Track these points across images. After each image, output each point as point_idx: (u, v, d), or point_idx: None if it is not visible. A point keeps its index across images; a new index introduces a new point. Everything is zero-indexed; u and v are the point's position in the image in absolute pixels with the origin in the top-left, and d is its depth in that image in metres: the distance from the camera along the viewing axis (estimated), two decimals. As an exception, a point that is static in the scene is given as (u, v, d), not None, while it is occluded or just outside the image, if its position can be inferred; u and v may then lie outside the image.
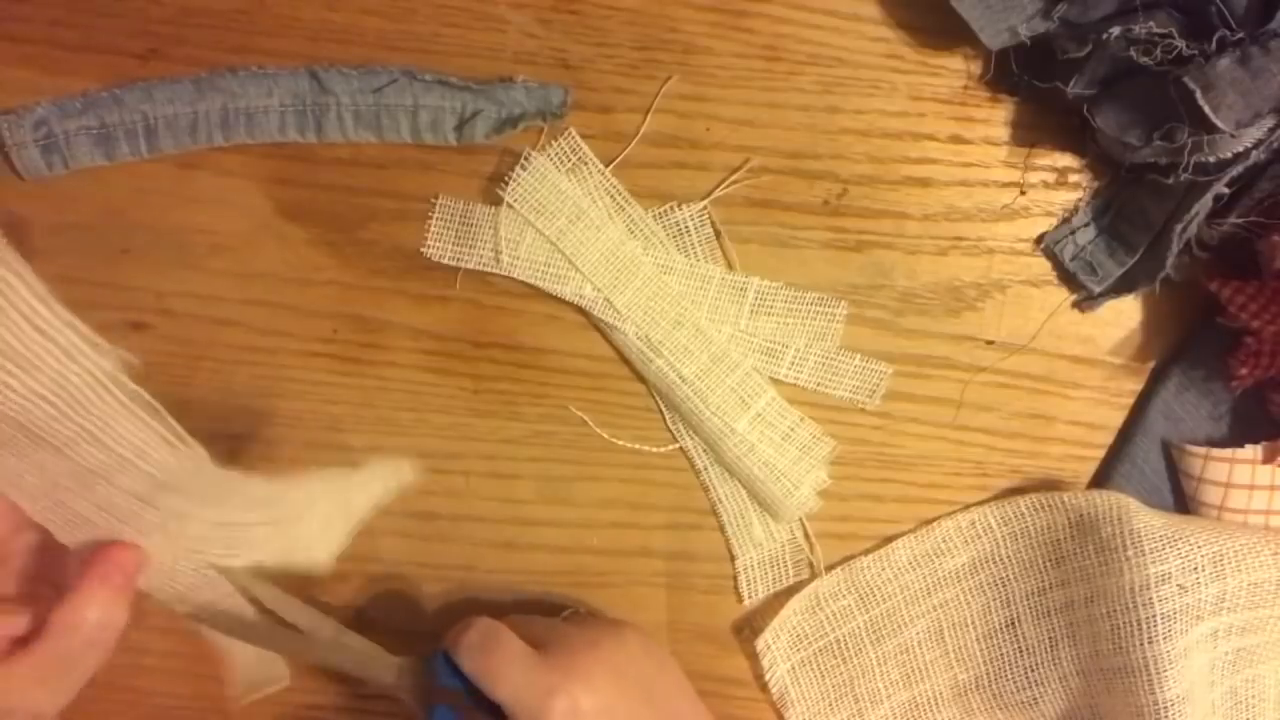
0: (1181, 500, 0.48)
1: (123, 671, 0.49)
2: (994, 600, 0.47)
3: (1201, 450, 0.46)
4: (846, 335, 0.48)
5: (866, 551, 0.49)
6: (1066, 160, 0.46)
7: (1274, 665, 0.47)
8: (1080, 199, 0.47)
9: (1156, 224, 0.44)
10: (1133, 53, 0.40)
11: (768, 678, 0.48)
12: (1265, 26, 0.38)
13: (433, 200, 0.46)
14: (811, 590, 0.48)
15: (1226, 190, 0.42)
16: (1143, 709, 0.43)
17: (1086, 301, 0.47)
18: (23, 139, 0.44)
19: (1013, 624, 0.47)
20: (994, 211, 0.47)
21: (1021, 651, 0.47)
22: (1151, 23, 0.39)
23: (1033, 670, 0.47)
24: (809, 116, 0.46)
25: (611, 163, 0.46)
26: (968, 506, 0.48)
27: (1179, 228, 0.42)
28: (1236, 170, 0.41)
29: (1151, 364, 0.48)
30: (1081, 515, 0.45)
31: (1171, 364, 0.47)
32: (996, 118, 0.46)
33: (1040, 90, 0.43)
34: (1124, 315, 0.48)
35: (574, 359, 0.48)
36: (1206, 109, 0.39)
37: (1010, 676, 0.47)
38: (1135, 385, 0.48)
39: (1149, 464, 0.48)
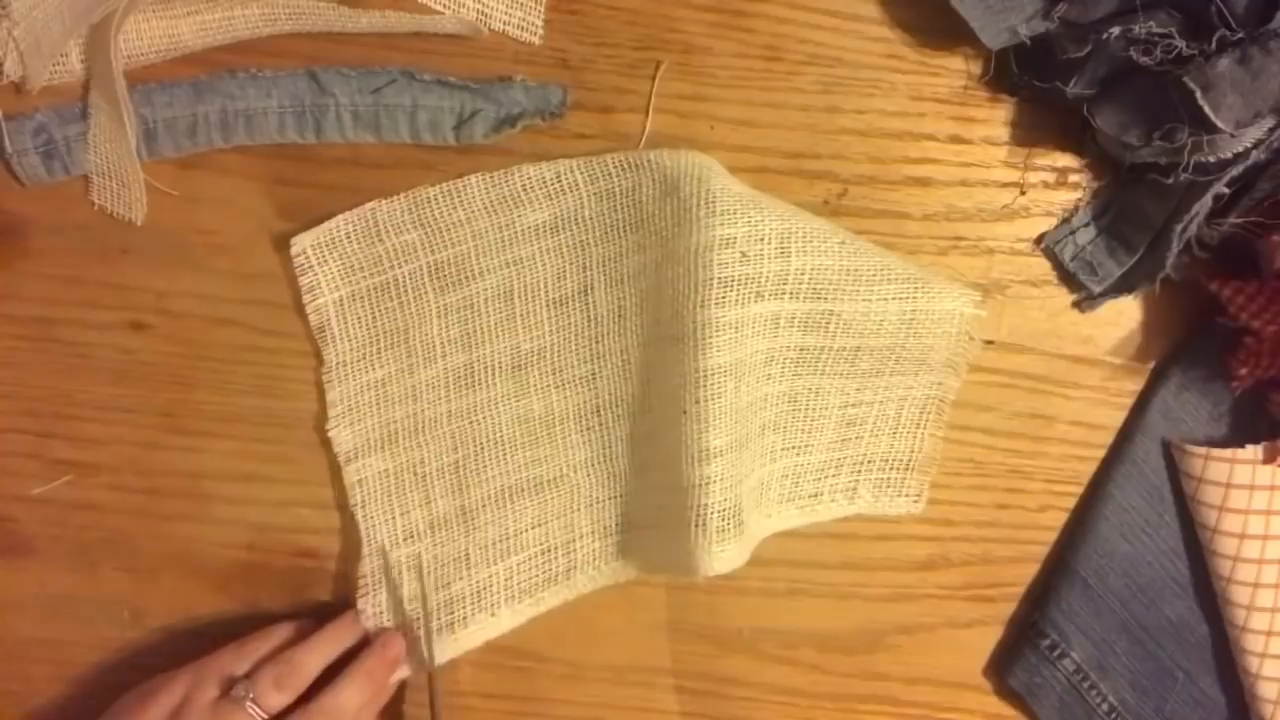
0: (1182, 500, 0.48)
1: (124, 671, 0.49)
2: (571, 265, 0.46)
3: (1202, 450, 0.46)
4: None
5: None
6: (1066, 160, 0.46)
7: (838, 383, 0.47)
8: (1080, 199, 0.46)
9: (1156, 224, 0.44)
10: (1133, 53, 0.40)
11: (306, 303, 0.45)
12: (1265, 26, 0.38)
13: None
14: (369, 213, 0.45)
15: (1226, 190, 0.42)
16: (686, 375, 0.43)
17: (1086, 301, 0.47)
18: (23, 145, 0.44)
19: (586, 291, 0.46)
20: (994, 211, 0.47)
21: (590, 321, 0.46)
22: (1151, 23, 0.39)
23: (598, 341, 0.46)
24: (809, 116, 0.46)
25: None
26: (554, 159, 0.45)
27: (1179, 228, 0.42)
28: (1236, 170, 0.41)
29: (1151, 364, 0.48)
30: (666, 174, 0.44)
31: (1171, 364, 0.47)
32: (996, 118, 0.46)
33: (1040, 90, 0.43)
34: (1124, 315, 0.48)
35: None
36: (1206, 109, 0.39)
37: (574, 349, 0.46)
38: (1135, 385, 0.48)
39: (1149, 464, 0.48)
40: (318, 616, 0.47)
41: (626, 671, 0.50)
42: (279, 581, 0.49)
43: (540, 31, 0.44)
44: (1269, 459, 0.46)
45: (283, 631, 0.46)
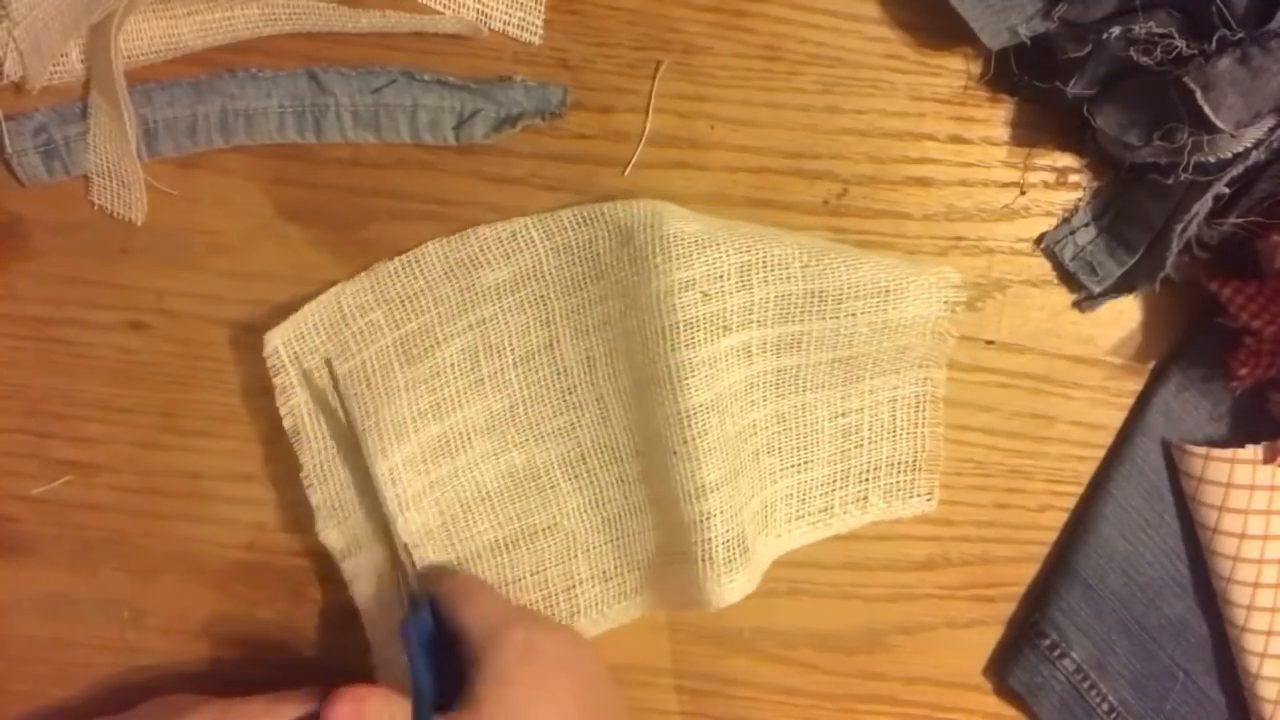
0: (1182, 500, 0.48)
1: (124, 671, 0.49)
2: (534, 320, 0.45)
3: (1202, 450, 0.46)
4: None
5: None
6: (1066, 160, 0.46)
7: (824, 395, 0.47)
8: (1080, 199, 0.46)
9: (1156, 224, 0.44)
10: (1133, 53, 0.40)
11: (280, 405, 0.45)
12: (1265, 26, 0.38)
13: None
14: (334, 298, 0.45)
15: (1226, 190, 0.42)
16: (668, 417, 0.43)
17: (1086, 301, 0.47)
18: (23, 145, 0.44)
19: (551, 345, 0.46)
20: (994, 211, 0.47)
21: (559, 373, 0.46)
22: (1151, 23, 0.39)
23: (570, 393, 0.46)
24: (809, 116, 0.46)
25: (626, 165, 0.46)
26: (509, 218, 0.45)
27: (1179, 228, 0.42)
28: (1236, 170, 0.40)
29: (1151, 364, 0.48)
30: (620, 225, 0.43)
31: (1171, 364, 0.47)
32: (996, 118, 0.46)
33: (1040, 90, 0.43)
34: (1124, 315, 0.48)
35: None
36: (1206, 109, 0.39)
37: (547, 402, 0.46)
38: (1135, 385, 0.48)
39: (1149, 464, 0.48)
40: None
41: (626, 671, 0.50)
42: (279, 581, 0.49)
43: (540, 31, 0.44)
44: (1269, 459, 0.46)
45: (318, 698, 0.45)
